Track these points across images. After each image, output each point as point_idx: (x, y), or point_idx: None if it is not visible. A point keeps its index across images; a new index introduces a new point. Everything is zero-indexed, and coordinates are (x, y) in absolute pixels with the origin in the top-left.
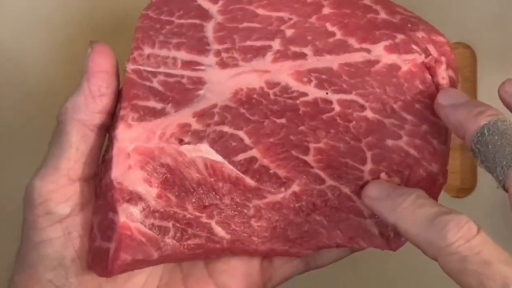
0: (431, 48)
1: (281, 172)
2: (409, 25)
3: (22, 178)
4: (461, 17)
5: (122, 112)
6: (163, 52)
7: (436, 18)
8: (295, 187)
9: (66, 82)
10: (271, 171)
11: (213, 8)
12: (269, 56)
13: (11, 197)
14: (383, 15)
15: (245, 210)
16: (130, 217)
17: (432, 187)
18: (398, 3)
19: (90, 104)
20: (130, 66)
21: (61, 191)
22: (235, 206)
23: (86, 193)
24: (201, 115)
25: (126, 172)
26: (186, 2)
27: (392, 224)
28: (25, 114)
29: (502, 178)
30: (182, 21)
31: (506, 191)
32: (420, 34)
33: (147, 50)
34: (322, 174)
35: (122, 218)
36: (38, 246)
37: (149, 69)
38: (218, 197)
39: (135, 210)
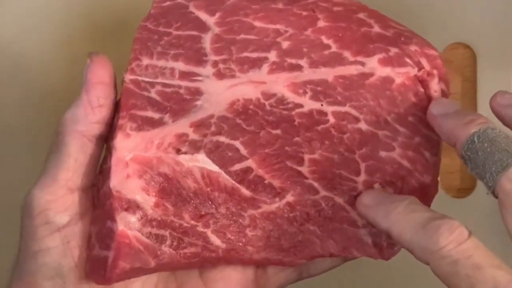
0: (423, 62)
1: (276, 183)
2: (402, 39)
3: (21, 178)
4: (461, 17)
5: (120, 122)
6: (161, 63)
7: (436, 18)
8: (289, 197)
9: (66, 82)
10: (266, 182)
11: (211, 20)
12: (265, 67)
13: (10, 197)
14: (377, 28)
15: (240, 220)
16: (128, 225)
17: (424, 197)
18: (399, 6)
19: (89, 115)
20: (128, 77)
21: (59, 201)
22: (230, 216)
23: (84, 203)
24: (198, 125)
25: (125, 181)
26: (184, 14)
27: (385, 230)
28: (24, 114)
29: (492, 184)
30: (180, 32)
31: (496, 197)
32: (413, 48)
33: (145, 61)
34: (316, 184)
35: (120, 227)
36: (37, 255)
37: (147, 79)
38: (214, 206)
39: (133, 219)
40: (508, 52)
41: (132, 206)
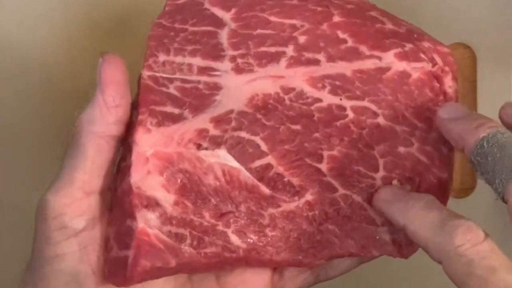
0: (436, 58)
1: (295, 181)
2: (415, 35)
3: (21, 178)
4: (461, 17)
5: (140, 117)
6: (178, 59)
7: (436, 18)
8: (308, 196)
9: (66, 82)
10: (285, 179)
11: (227, 16)
12: (283, 62)
13: (9, 198)
14: (390, 25)
15: (260, 219)
16: (148, 223)
17: (442, 192)
18: (399, 6)
19: (106, 116)
20: (146, 73)
21: (76, 205)
22: (250, 215)
23: (101, 206)
24: (218, 121)
25: (145, 177)
26: (199, 11)
27: (402, 226)
28: (24, 114)
29: (501, 190)
30: (196, 28)
31: (506, 203)
32: (426, 44)
33: (162, 57)
34: (334, 182)
35: (140, 224)
36: (52, 260)
37: (165, 75)
38: (234, 205)
39: (153, 216)
40: (508, 52)
41: (152, 204)
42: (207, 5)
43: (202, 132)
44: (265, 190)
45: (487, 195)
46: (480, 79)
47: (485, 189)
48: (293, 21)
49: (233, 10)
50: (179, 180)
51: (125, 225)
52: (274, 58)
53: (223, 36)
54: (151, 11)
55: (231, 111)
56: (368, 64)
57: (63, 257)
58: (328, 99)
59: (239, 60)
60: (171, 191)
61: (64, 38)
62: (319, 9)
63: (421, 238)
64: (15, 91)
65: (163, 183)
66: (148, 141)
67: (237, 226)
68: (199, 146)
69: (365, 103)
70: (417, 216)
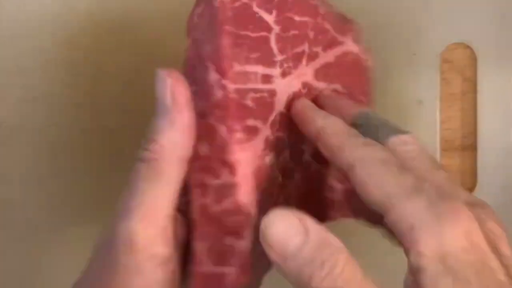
0: (357, 35)
1: (292, 165)
2: (345, 17)
3: (21, 178)
4: (461, 17)
5: (237, 135)
6: (248, 68)
7: (436, 18)
8: (297, 176)
9: (66, 82)
10: (290, 166)
11: (270, 19)
12: (304, 60)
13: (9, 198)
14: (332, 9)
15: (272, 206)
16: (250, 240)
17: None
18: (399, 6)
19: (187, 139)
20: (231, 86)
21: (163, 233)
22: (268, 204)
23: (180, 227)
24: (272, 125)
25: (249, 195)
26: (252, 15)
27: (310, 133)
28: (24, 115)
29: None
30: (255, 34)
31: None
32: (353, 25)
33: (237, 68)
34: (311, 159)
35: (247, 243)
36: None
37: (242, 86)
38: (266, 199)
39: (250, 233)
40: (508, 52)
41: (252, 220)
42: (255, 8)
43: (268, 140)
44: (280, 179)
45: (487, 195)
46: (480, 79)
47: (485, 189)
48: (305, 18)
49: (274, 13)
50: (260, 191)
51: (224, 243)
52: (300, 58)
53: (273, 41)
54: (151, 11)
55: (278, 114)
56: (341, 50)
57: (156, 286)
58: (321, 86)
59: (285, 65)
60: (257, 204)
61: (64, 38)
62: (312, 2)
63: (329, 145)
64: (14, 91)
65: (258, 198)
66: (245, 159)
67: (261, 217)
68: (266, 154)
69: (336, 85)
70: (327, 124)
